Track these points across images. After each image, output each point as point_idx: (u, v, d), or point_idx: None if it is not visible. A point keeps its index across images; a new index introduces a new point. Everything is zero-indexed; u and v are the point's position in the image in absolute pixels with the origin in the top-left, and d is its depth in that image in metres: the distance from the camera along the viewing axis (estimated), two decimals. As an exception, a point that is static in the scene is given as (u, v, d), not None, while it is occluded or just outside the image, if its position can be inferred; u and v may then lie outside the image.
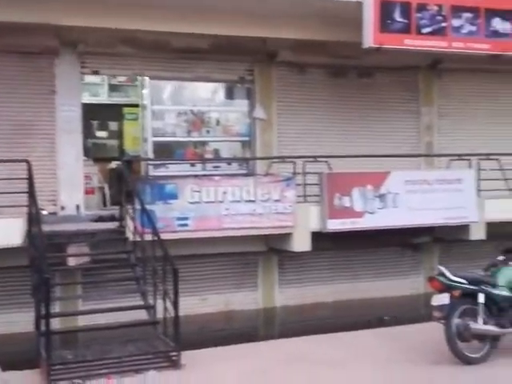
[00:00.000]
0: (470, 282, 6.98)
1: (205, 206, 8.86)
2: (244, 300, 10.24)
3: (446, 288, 6.90)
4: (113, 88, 12.53)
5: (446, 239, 10.95)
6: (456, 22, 10.14)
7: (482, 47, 10.29)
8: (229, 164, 10.85)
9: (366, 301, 10.59)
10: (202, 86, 11.23)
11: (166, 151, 10.80)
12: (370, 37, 9.60)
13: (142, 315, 7.55)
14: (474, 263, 9.47)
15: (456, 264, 9.51)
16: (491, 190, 10.37)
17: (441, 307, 6.83)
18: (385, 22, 9.69)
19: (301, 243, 9.32)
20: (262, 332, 10.05)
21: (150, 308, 7.43)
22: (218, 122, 11.10)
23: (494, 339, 7.04)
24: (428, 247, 11.36)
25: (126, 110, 12.13)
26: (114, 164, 10.79)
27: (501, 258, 7.49)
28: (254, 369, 6.83)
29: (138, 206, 8.14)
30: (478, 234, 10.31)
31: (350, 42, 9.74)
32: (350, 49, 10.10)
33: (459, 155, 10.66)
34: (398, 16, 9.85)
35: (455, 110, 11.95)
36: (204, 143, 11.04)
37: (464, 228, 10.33)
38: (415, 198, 9.87)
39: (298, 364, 6.99)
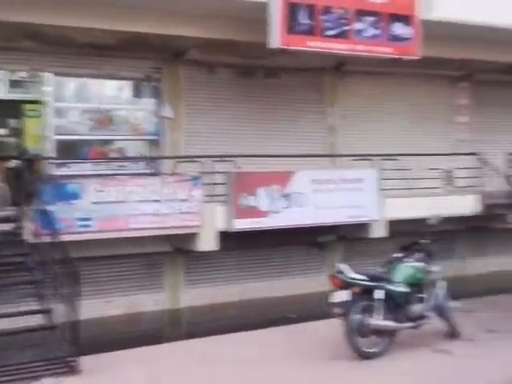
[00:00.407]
0: (371, 279, 7.18)
1: (109, 206, 8.67)
2: (149, 301, 10.12)
3: (346, 285, 7.06)
4: (14, 84, 11.97)
5: (348, 237, 11.22)
6: (359, 26, 10.37)
7: (384, 50, 10.59)
8: (135, 163, 10.66)
9: (273, 299, 10.72)
10: (108, 83, 10.95)
11: (69, 150, 10.46)
12: (276, 38, 9.66)
13: (42, 320, 7.28)
14: (376, 260, 9.64)
15: (359, 261, 9.79)
16: (392, 189, 10.70)
17: (341, 304, 6.99)
18: (291, 23, 9.77)
19: (207, 243, 9.30)
20: (167, 333, 9.91)
21: (47, 312, 7.17)
22: (124, 121, 10.87)
23: (392, 334, 7.29)
24: (332, 245, 11.62)
25: (27, 106, 11.64)
26: (12, 163, 10.34)
27: (397, 255, 7.76)
28: (158, 372, 6.73)
29: (37, 207, 7.85)
30: (378, 231, 10.63)
31: (258, 43, 9.76)
32: (257, 49, 10.11)
33: (362, 155, 10.99)
34: (303, 18, 9.96)
35: (357, 112, 12.27)
36: (109, 142, 10.79)
37: (365, 226, 10.63)
38: (319, 197, 10.07)
39: (204, 364, 6.95)
